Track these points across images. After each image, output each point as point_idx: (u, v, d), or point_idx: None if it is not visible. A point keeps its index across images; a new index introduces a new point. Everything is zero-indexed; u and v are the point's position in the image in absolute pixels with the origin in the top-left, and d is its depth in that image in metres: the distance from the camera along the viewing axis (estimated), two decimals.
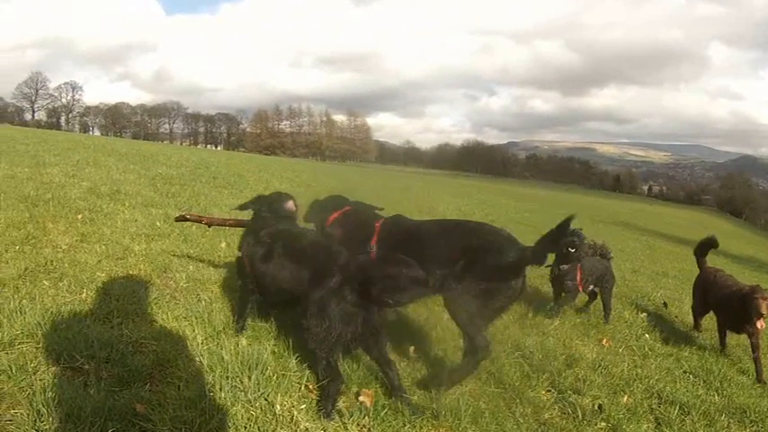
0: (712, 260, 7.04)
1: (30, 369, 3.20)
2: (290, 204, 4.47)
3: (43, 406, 2.88)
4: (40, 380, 3.12)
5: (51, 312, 3.84)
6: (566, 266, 5.86)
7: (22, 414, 2.86)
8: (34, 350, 3.41)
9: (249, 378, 3.34)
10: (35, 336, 3.53)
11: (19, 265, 4.71)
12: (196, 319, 4.17)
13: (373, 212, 4.62)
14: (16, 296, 4.05)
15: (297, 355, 3.77)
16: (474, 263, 3.77)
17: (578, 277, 6.11)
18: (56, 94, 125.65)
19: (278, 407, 3.20)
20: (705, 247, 6.78)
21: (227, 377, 3.35)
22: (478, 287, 3.74)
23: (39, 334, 3.54)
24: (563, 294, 6.17)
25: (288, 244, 3.99)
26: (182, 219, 5.16)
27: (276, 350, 3.89)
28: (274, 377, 3.45)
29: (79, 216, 6.85)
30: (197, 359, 3.55)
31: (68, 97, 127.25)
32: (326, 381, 3.40)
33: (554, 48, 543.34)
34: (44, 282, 4.49)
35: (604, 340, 5.71)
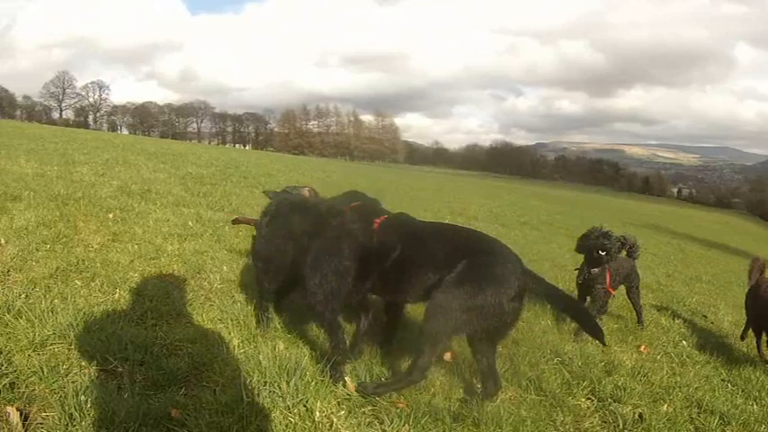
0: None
1: (62, 371, 3.16)
2: (304, 191, 4.62)
3: (76, 409, 2.83)
4: (73, 382, 3.06)
5: (84, 313, 3.79)
6: (596, 270, 5.60)
7: (54, 417, 2.81)
8: (66, 351, 3.37)
9: (287, 383, 3.26)
10: (67, 337, 3.48)
11: (50, 265, 4.69)
12: (231, 321, 4.12)
13: (379, 209, 4.54)
14: (48, 296, 4.02)
15: None
16: (468, 272, 3.50)
17: (608, 281, 5.79)
18: (83, 93, 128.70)
19: (317, 413, 3.12)
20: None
21: (265, 382, 3.29)
22: (465, 300, 3.42)
23: (71, 335, 3.50)
24: (588, 300, 5.80)
25: (287, 208, 4.06)
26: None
27: (314, 354, 3.83)
28: (313, 383, 3.36)
29: (110, 215, 6.86)
30: (233, 363, 3.49)
31: (95, 96, 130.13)
32: (330, 341, 3.53)
33: (579, 48, 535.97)
34: (76, 281, 4.46)
35: (642, 347, 5.60)
